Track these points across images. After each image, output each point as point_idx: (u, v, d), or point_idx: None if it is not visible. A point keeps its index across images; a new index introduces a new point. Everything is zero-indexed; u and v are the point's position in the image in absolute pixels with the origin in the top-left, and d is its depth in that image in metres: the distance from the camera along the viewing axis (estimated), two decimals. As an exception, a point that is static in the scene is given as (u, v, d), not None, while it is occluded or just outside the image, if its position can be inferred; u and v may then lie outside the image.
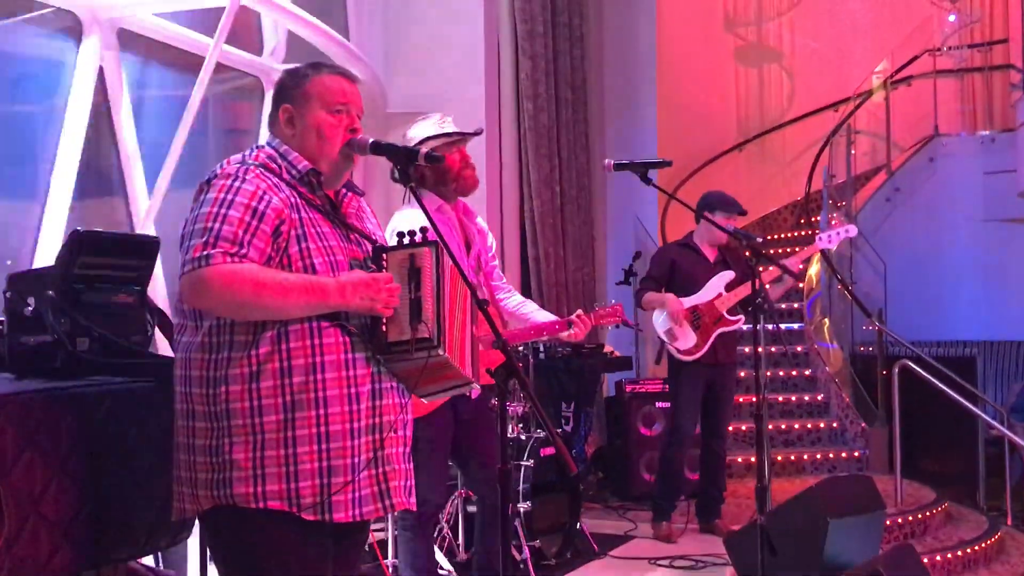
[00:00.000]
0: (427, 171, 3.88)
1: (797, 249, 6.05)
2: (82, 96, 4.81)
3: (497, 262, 4.25)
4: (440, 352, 2.48)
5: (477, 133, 4.11)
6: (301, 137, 2.60)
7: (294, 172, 2.56)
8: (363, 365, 2.49)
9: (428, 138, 3.92)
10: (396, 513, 3.02)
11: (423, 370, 2.50)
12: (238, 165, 2.52)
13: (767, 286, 5.75)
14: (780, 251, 10.21)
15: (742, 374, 8.32)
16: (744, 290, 5.77)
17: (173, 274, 2.51)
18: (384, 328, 2.48)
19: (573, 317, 4.00)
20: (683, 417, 5.85)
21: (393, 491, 2.54)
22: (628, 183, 4.34)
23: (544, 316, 4.12)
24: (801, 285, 9.28)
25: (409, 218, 3.76)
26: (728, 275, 5.85)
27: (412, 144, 3.87)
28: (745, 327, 5.90)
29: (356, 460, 2.46)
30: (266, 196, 2.46)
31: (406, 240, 2.54)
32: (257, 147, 2.61)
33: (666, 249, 6.25)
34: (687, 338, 5.77)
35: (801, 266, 5.99)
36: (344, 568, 2.63)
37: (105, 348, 2.83)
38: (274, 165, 2.56)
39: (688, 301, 5.79)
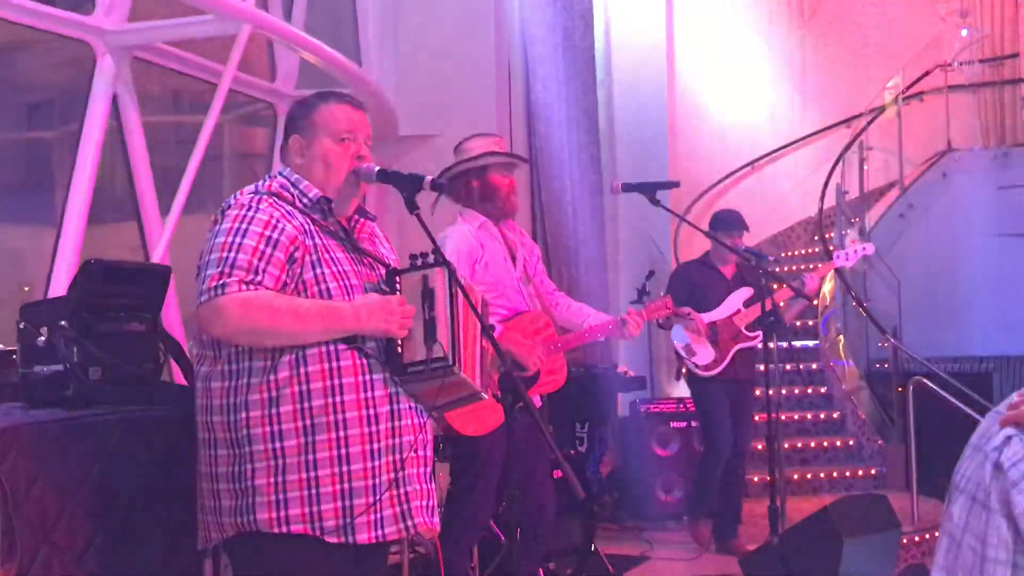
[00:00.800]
0: (476, 188, 3.94)
1: (812, 266, 6.06)
2: (96, 123, 4.85)
3: (543, 271, 4.29)
4: (455, 370, 2.50)
5: (527, 161, 4.22)
6: (309, 166, 2.64)
7: (306, 200, 2.59)
8: (381, 386, 2.50)
9: (487, 154, 3.97)
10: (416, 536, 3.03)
11: (440, 390, 2.51)
12: (251, 195, 2.56)
13: (781, 304, 5.74)
14: (795, 268, 10.18)
15: (757, 392, 8.29)
16: (758, 309, 5.76)
17: (186, 300, 2.53)
18: (400, 349, 2.50)
19: (625, 316, 4.03)
20: (718, 433, 5.87)
21: (415, 511, 2.54)
22: (641, 203, 4.35)
23: (598, 318, 4.14)
24: (815, 303, 9.25)
25: (457, 235, 3.87)
26: (746, 292, 5.88)
27: (472, 155, 3.98)
28: (759, 345, 5.90)
29: (377, 481, 2.47)
30: (280, 224, 2.49)
31: (419, 261, 2.56)
32: (270, 176, 2.66)
33: (684, 268, 6.31)
34: (706, 353, 5.78)
35: (819, 284, 6.01)
36: None
37: (117, 377, 2.83)
38: (287, 194, 2.59)
39: (707, 317, 5.81)
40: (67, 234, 4.69)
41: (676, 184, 4.26)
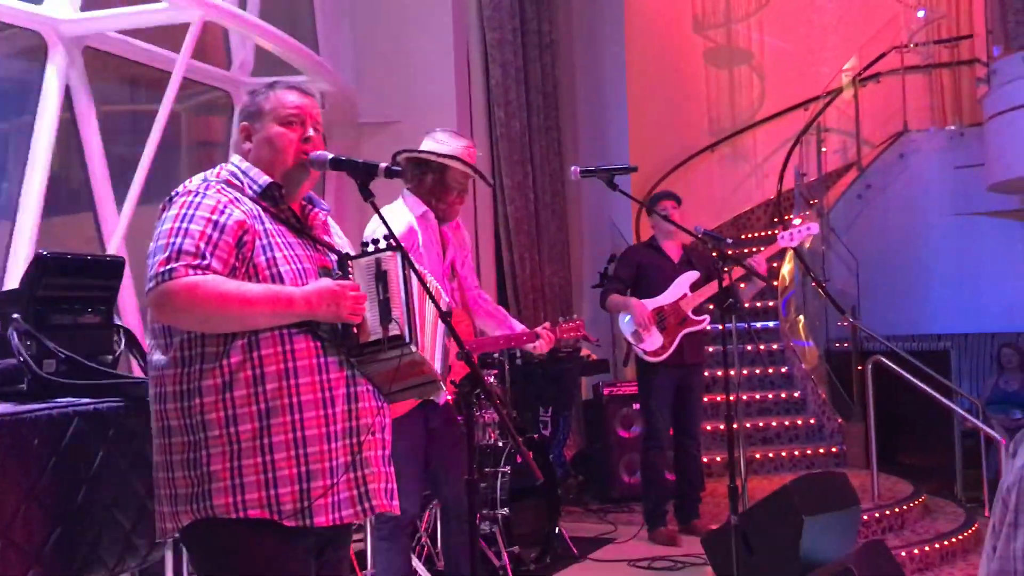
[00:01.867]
0: (429, 181, 3.93)
1: (757, 249, 6.07)
2: (49, 114, 4.79)
3: (471, 268, 4.28)
4: (412, 348, 2.49)
5: (490, 184, 4.22)
6: (256, 151, 2.64)
7: (256, 187, 2.58)
8: (336, 368, 2.49)
9: (455, 158, 3.95)
10: (374, 520, 3.02)
11: (397, 370, 2.51)
12: (200, 182, 2.56)
13: (742, 285, 5.77)
14: (754, 250, 10.19)
15: (719, 373, 8.36)
16: (709, 290, 5.76)
17: (143, 292, 2.50)
18: (355, 330, 2.49)
19: (539, 329, 4.07)
20: (656, 419, 5.86)
21: (373, 493, 2.53)
22: (602, 188, 4.35)
23: (514, 326, 4.17)
24: (775, 283, 9.33)
25: (393, 213, 3.84)
26: (692, 275, 5.87)
27: (442, 150, 3.96)
28: (711, 327, 5.93)
29: (334, 464, 2.46)
30: (227, 209, 2.48)
31: (371, 247, 2.56)
32: (220, 166, 2.65)
33: (632, 250, 6.28)
34: (653, 340, 5.77)
35: (768, 265, 6.03)
36: None
37: (72, 369, 2.81)
38: (236, 182, 2.59)
39: (653, 302, 5.80)
40: (21, 226, 4.63)
41: (634, 169, 4.26)
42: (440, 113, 6.97)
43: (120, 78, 5.70)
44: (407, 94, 7.15)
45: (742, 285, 5.80)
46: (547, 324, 4.12)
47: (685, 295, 5.82)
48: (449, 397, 3.74)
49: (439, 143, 3.99)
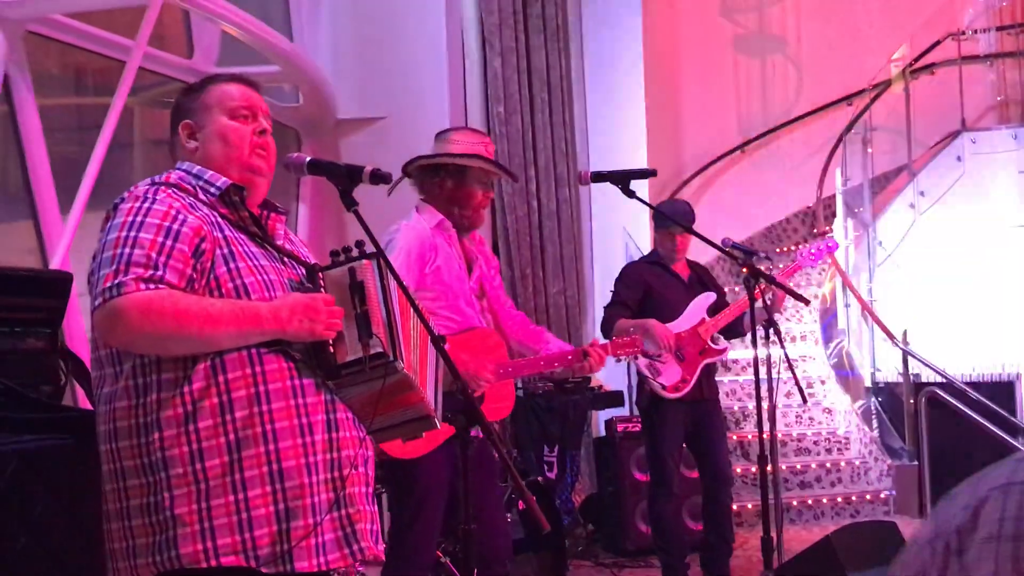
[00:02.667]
0: (448, 188, 3.96)
1: (795, 272, 6.00)
2: (-16, 108, 4.81)
3: (501, 284, 4.32)
4: (399, 366, 2.49)
5: (515, 178, 4.26)
6: (205, 149, 2.66)
7: (212, 190, 2.60)
8: (313, 392, 2.50)
9: (474, 156, 3.97)
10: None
11: (381, 392, 2.51)
12: (147, 187, 2.56)
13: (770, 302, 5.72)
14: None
15: (751, 407, 8.36)
16: (731, 314, 5.69)
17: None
18: (331, 349, 2.49)
19: (588, 347, 4.05)
20: (667, 463, 5.70)
21: (360, 535, 2.54)
22: (614, 193, 4.37)
23: (557, 346, 4.17)
24: (807, 304, 9.33)
25: (409, 232, 3.89)
26: (709, 297, 5.75)
27: (456, 150, 4.00)
28: (737, 353, 5.88)
29: (316, 500, 2.46)
30: (180, 215, 2.49)
31: (341, 256, 2.57)
32: (168, 171, 2.65)
33: (634, 269, 6.05)
34: (671, 372, 5.63)
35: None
36: None
37: (10, 401, 2.82)
38: (188, 186, 2.59)
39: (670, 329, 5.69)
40: (-48, 237, 4.65)
41: (652, 173, 4.28)
42: (430, 108, 7.00)
43: (66, 67, 5.72)
44: (392, 87, 7.16)
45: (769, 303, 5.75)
46: (595, 340, 4.10)
47: (703, 320, 5.71)
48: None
49: (453, 143, 4.02)
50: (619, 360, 4.36)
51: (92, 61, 5.61)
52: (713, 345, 5.71)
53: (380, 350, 2.48)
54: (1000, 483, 1.42)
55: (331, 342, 2.49)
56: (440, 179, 4.02)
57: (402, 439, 2.88)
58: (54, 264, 4.94)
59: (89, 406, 3.05)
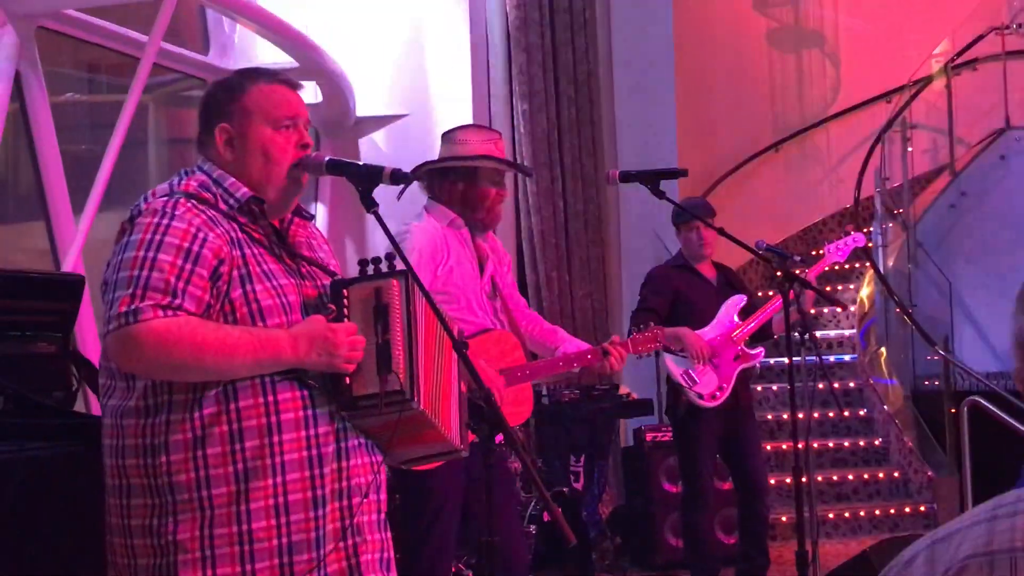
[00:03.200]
0: (459, 191, 3.96)
1: (824, 268, 5.97)
2: (-5, 106, 4.84)
3: (514, 283, 4.30)
4: (414, 406, 2.49)
5: (529, 173, 4.21)
6: (243, 162, 2.61)
7: (232, 201, 2.57)
8: (325, 422, 2.50)
9: (482, 156, 3.97)
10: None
11: (396, 426, 2.51)
12: (165, 199, 2.53)
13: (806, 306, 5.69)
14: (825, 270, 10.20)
15: (785, 416, 8.33)
16: (763, 316, 5.65)
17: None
18: (348, 380, 2.48)
19: (607, 345, 4.01)
20: (701, 477, 5.69)
21: (364, 566, 2.54)
22: (645, 193, 4.36)
23: (575, 345, 4.15)
24: (852, 309, 9.30)
25: (421, 232, 3.87)
26: (739, 300, 5.72)
27: (464, 152, 3.99)
28: (771, 361, 5.84)
29: (320, 533, 2.47)
30: (200, 234, 2.47)
31: (370, 269, 2.55)
32: (187, 173, 2.62)
33: (661, 274, 6.01)
34: (708, 380, 5.58)
35: (823, 286, 5.90)
36: None
37: (21, 407, 2.83)
38: (208, 194, 2.57)
39: (702, 335, 5.63)
40: (-38, 238, 4.68)
41: (684, 172, 4.27)
42: (452, 106, 7.01)
43: (79, 63, 5.76)
44: (412, 84, 7.18)
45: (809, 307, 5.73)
46: (615, 337, 4.06)
47: (735, 324, 5.68)
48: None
49: (459, 144, 4.02)
50: (640, 357, 4.33)
51: (105, 57, 5.64)
52: (748, 350, 5.68)
53: (397, 387, 2.47)
54: (980, 551, 1.24)
55: (349, 373, 2.49)
56: (450, 181, 4.01)
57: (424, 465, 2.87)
58: (66, 266, 4.97)
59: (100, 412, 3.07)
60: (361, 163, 2.63)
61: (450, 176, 4.01)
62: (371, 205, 2.58)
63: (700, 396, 5.59)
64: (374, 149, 7.07)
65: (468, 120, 6.82)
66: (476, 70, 7.32)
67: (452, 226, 3.97)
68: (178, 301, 2.40)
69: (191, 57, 6.09)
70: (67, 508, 2.73)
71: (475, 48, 7.37)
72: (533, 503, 5.20)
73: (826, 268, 5.85)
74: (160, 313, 2.38)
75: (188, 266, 2.43)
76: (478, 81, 7.35)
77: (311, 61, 6.39)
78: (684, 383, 5.59)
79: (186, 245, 2.44)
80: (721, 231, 5.00)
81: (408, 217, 4.02)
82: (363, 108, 7.18)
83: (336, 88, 6.86)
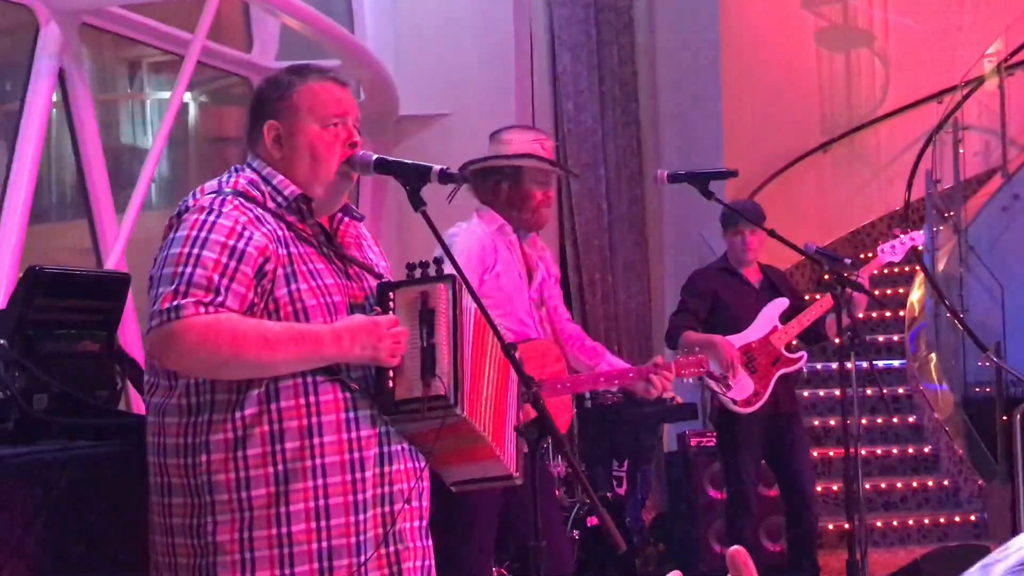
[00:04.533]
0: (504, 191, 3.96)
1: (874, 271, 5.92)
2: (39, 102, 4.88)
3: (560, 295, 4.30)
4: (457, 412, 2.48)
5: (575, 175, 4.20)
6: (291, 161, 2.62)
7: (280, 199, 2.58)
8: (367, 425, 2.51)
9: (527, 155, 3.97)
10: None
11: (439, 433, 2.50)
12: (213, 195, 2.55)
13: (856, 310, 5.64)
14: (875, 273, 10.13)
15: (833, 423, 8.29)
16: (806, 320, 5.62)
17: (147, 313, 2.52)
18: (391, 382, 2.48)
19: (651, 368, 3.93)
20: (743, 482, 5.67)
21: (406, 574, 2.55)
22: (690, 194, 4.35)
23: (616, 362, 4.14)
24: (901, 313, 9.23)
25: (469, 235, 3.88)
26: (781, 303, 5.67)
27: (508, 151, 4.00)
28: (818, 366, 5.80)
29: (362, 539, 2.48)
30: (246, 232, 2.48)
31: (417, 272, 2.55)
32: (236, 170, 2.64)
33: (702, 276, 6.00)
34: (743, 386, 5.53)
35: (873, 290, 5.83)
36: None
37: (66, 406, 2.85)
38: (255, 192, 2.58)
39: (738, 340, 5.57)
40: (5, 235, 4.72)
41: (733, 173, 4.26)
42: (496, 105, 7.01)
43: (122, 61, 5.81)
44: (457, 83, 7.19)
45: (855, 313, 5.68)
46: (659, 359, 4.02)
47: (775, 328, 5.62)
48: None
49: (505, 144, 4.02)
50: (684, 380, 4.30)
51: (149, 55, 5.69)
52: (788, 354, 5.64)
53: (442, 392, 2.46)
54: None
55: (391, 372, 2.48)
56: (495, 182, 4.01)
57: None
58: (109, 264, 5.02)
59: (144, 411, 3.10)
60: (409, 162, 2.63)
61: (494, 176, 4.01)
62: (419, 204, 2.58)
63: (734, 402, 5.56)
64: (416, 148, 7.08)
65: (511, 120, 6.83)
66: (520, 69, 7.33)
67: (501, 232, 3.96)
68: (220, 299, 2.42)
69: (234, 55, 6.12)
70: (112, 507, 2.75)
71: (519, 47, 7.37)
72: (577, 508, 5.20)
73: (876, 271, 5.79)
74: (202, 310, 2.40)
75: (232, 263, 2.44)
76: (522, 80, 7.36)
77: (353, 59, 6.42)
78: (717, 389, 5.51)
79: (231, 242, 2.46)
80: (772, 232, 4.95)
81: (454, 219, 4.02)
82: (406, 107, 7.20)
83: (378, 86, 6.89)
